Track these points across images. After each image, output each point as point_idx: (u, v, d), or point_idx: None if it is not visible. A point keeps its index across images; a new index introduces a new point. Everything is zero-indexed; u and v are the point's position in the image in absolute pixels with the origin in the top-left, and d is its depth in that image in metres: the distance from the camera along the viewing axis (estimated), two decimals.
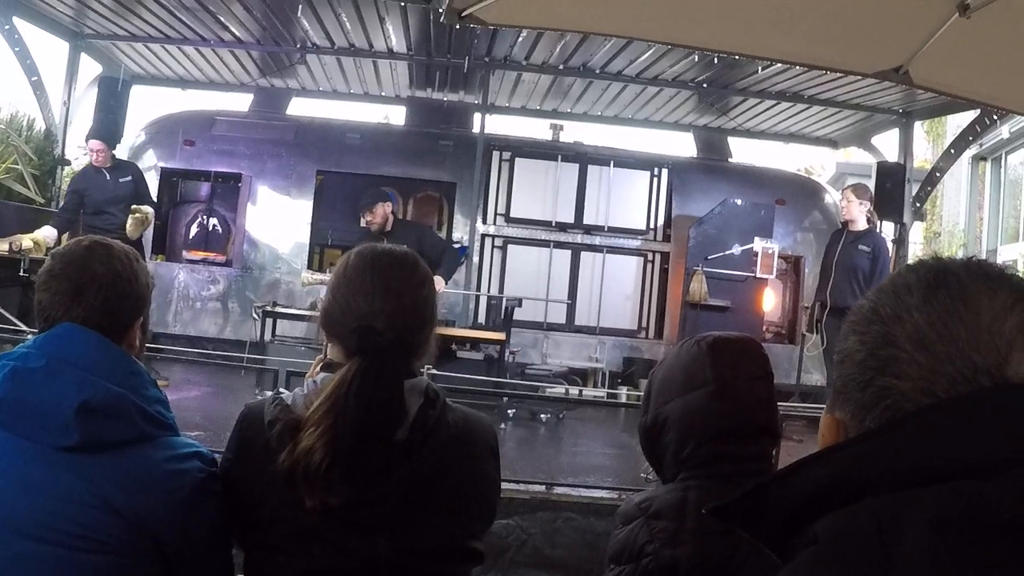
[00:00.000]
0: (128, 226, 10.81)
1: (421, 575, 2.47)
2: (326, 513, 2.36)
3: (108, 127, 13.30)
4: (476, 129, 14.91)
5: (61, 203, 12.30)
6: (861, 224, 11.14)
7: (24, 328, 10.00)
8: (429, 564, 2.48)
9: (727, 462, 2.34)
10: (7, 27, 13.55)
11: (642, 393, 2.81)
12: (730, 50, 5.80)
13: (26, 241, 10.38)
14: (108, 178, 11.10)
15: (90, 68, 15.67)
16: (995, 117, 13.49)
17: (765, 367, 2.56)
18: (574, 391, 12.90)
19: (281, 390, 2.64)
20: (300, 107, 17.09)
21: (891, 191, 13.95)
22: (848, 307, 10.44)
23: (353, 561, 2.41)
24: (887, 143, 16.30)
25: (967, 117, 14.73)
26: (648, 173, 15.84)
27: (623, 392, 13.85)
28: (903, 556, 1.21)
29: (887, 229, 13.65)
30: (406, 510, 2.43)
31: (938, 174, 15.18)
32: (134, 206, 10.97)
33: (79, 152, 16.96)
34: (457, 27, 9.24)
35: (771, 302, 14.22)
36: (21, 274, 9.93)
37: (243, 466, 2.53)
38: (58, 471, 2.30)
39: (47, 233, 10.70)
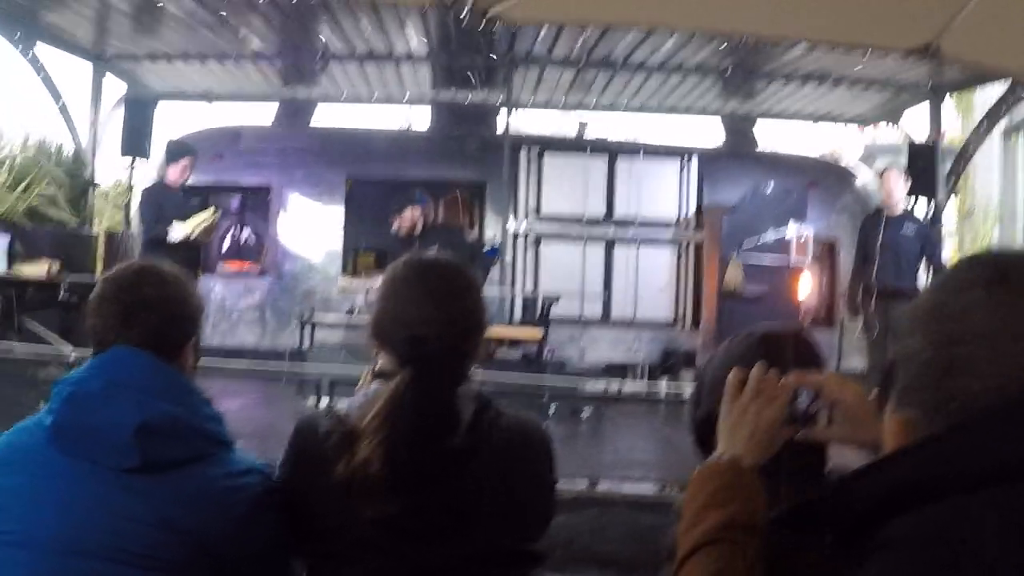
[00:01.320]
0: (197, 231, 10.90)
1: None
2: (383, 522, 2.37)
3: (136, 144, 13.40)
4: (502, 128, 14.89)
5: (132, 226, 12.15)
6: (901, 206, 11.04)
7: (61, 348, 10.09)
8: (487, 569, 2.48)
9: (782, 451, 2.31)
10: (30, 54, 13.65)
11: (692, 386, 2.79)
12: (756, 32, 5.76)
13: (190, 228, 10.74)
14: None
15: (114, 88, 15.77)
16: None
17: (817, 358, 2.53)
18: (614, 386, 12.83)
19: (331, 402, 2.65)
20: (325, 115, 17.18)
21: (924, 169, 13.81)
22: (897, 289, 10.43)
23: (411, 568, 2.42)
24: (917, 118, 16.17)
25: (998, 90, 14.57)
26: (677, 163, 15.77)
27: (663, 384, 13.83)
28: (979, 558, 1.19)
29: (920, 207, 13.52)
30: (463, 516, 2.44)
31: (970, 149, 15.03)
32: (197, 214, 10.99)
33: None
34: (480, 27, 9.24)
35: (808, 287, 14.11)
36: (60, 298, 9.98)
37: (300, 478, 2.54)
38: (119, 492, 2.31)
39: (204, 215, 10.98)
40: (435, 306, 2.55)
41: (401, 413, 2.38)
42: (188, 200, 11.27)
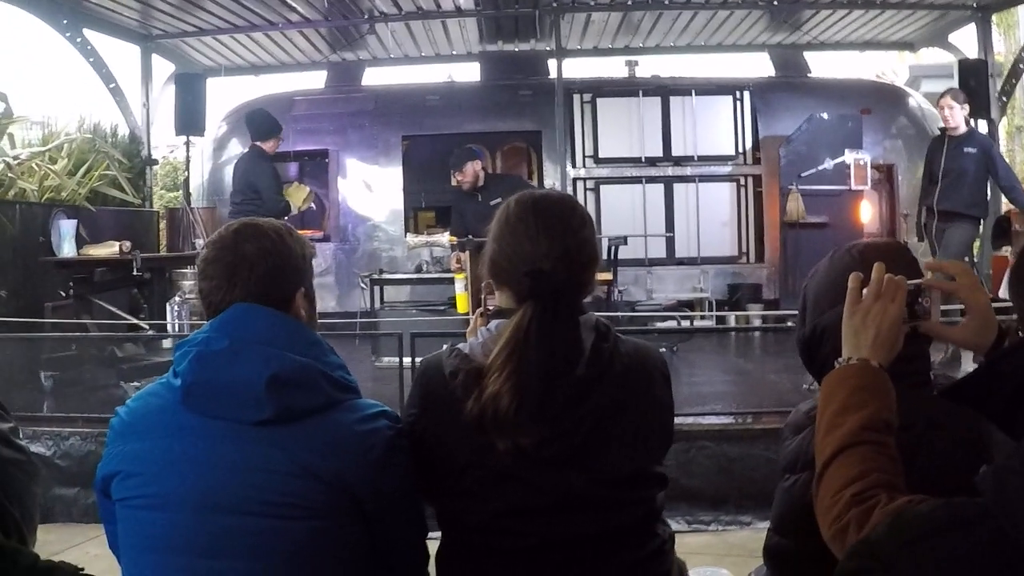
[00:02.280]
0: (304, 205, 11.59)
1: (612, 503, 2.52)
2: (518, 453, 2.42)
3: (191, 121, 13.54)
4: (553, 75, 14.78)
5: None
6: (962, 127, 11.00)
7: (139, 323, 10.19)
8: (620, 492, 2.53)
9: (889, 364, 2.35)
10: (79, 39, 13.74)
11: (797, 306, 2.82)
12: None
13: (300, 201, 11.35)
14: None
15: (163, 68, 15.89)
16: None
17: (915, 265, 2.56)
18: (684, 323, 12.85)
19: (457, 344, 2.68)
20: (374, 77, 17.23)
21: (975, 88, 13.68)
22: (959, 212, 10.44)
23: (547, 496, 2.47)
24: (963, 40, 16.05)
25: None
26: (730, 98, 15.75)
27: (731, 318, 13.88)
28: None
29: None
30: (593, 442, 2.48)
31: (1021, 66, 14.90)
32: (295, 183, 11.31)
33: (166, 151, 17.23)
34: None
35: (868, 213, 14.05)
36: (134, 274, 10.05)
37: (429, 419, 2.59)
38: (256, 445, 2.36)
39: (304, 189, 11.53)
40: (551, 239, 2.58)
41: (526, 346, 2.43)
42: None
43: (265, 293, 2.54)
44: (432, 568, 2.71)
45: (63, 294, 10.48)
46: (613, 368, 2.53)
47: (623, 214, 15.20)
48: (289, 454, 2.35)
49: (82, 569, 1.46)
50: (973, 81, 13.76)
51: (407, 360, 7.17)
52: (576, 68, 16.97)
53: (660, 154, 15.53)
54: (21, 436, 2.47)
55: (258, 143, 11.12)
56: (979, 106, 13.41)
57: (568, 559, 2.49)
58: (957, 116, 10.76)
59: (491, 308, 2.79)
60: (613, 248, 11.99)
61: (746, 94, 15.80)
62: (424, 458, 2.57)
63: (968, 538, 1.35)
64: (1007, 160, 13.23)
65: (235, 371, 2.38)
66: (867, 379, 2.08)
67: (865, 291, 2.19)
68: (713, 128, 15.64)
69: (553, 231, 2.59)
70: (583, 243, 2.64)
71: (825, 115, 14.37)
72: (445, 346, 2.70)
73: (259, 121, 11.37)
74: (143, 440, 2.45)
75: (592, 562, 2.49)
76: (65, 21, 13.43)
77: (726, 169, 15.69)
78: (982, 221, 11.08)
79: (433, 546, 2.71)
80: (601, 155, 15.60)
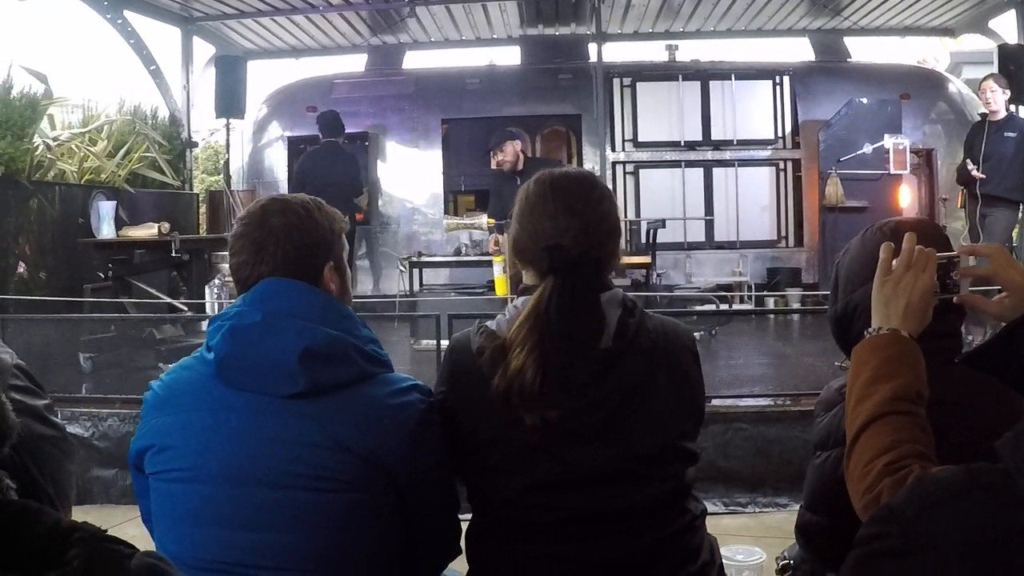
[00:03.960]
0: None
1: (640, 478, 2.53)
2: (545, 427, 2.43)
3: (231, 104, 13.66)
4: (593, 59, 14.75)
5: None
6: (1002, 112, 10.99)
7: (177, 304, 10.25)
8: (649, 466, 2.54)
9: (920, 341, 2.36)
10: (120, 21, 13.79)
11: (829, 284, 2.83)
12: None
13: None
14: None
15: (204, 50, 15.96)
16: None
17: (947, 245, 2.56)
18: (724, 306, 12.83)
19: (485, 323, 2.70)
20: (414, 60, 17.24)
21: (1016, 73, 13.60)
22: (1000, 197, 10.48)
23: (576, 470, 2.48)
24: (1004, 26, 15.92)
25: None
26: (770, 82, 15.74)
27: (771, 302, 13.86)
28: None
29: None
30: (620, 416, 2.49)
31: None
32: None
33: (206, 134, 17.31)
34: None
35: (908, 197, 14.02)
36: (173, 255, 10.11)
37: (458, 395, 2.61)
38: (289, 418, 2.37)
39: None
40: (569, 215, 2.60)
41: (547, 319, 2.45)
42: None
43: (293, 267, 2.55)
44: (463, 545, 2.73)
45: (102, 275, 10.56)
46: (639, 343, 2.54)
47: (662, 198, 15.24)
48: (322, 427, 2.37)
49: (106, 531, 1.47)
50: (1013, 66, 13.66)
51: (445, 342, 7.17)
52: (616, 52, 17.00)
53: (699, 138, 15.53)
54: (56, 413, 2.48)
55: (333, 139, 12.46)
56: (1020, 91, 13.35)
57: (597, 533, 2.50)
58: (999, 100, 10.79)
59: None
60: (652, 232, 11.98)
61: (786, 79, 15.77)
62: (453, 434, 2.60)
63: (988, 502, 1.35)
64: None
65: (268, 344, 2.40)
66: (898, 349, 2.08)
67: (895, 262, 2.19)
68: (752, 112, 15.63)
69: (572, 207, 2.62)
70: (603, 216, 2.66)
71: (865, 100, 14.37)
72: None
73: (332, 119, 12.83)
74: (177, 413, 2.48)
75: (621, 537, 2.51)
76: (106, 3, 13.47)
77: (765, 153, 15.68)
78: (1022, 204, 11.02)
79: (465, 526, 2.73)
80: (640, 139, 15.60)
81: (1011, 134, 10.81)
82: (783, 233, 15.69)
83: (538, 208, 2.65)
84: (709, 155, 15.54)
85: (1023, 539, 1.29)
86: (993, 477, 1.37)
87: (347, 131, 13.29)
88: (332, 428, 2.37)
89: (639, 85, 15.67)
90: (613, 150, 15.41)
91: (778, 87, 15.74)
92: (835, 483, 2.22)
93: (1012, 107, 11.48)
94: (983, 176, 10.83)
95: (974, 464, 1.44)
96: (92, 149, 12.44)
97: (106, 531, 1.49)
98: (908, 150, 13.37)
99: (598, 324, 2.50)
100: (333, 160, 12.58)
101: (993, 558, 1.31)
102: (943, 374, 2.18)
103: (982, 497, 1.36)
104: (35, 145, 11.19)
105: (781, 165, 15.73)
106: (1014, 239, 11.79)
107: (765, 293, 14.34)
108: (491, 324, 2.65)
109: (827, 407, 2.66)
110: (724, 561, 2.91)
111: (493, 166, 10.89)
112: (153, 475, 2.50)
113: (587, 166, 15.16)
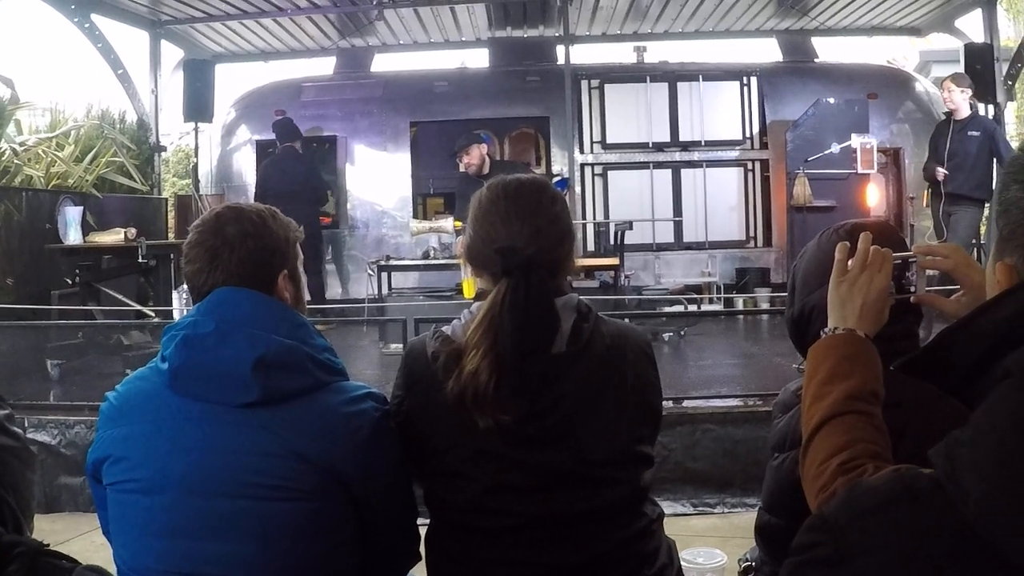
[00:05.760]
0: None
1: (596, 482, 2.53)
2: (500, 432, 2.44)
3: (200, 108, 13.64)
4: (561, 61, 14.72)
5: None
6: (965, 111, 11.10)
7: (145, 310, 10.20)
8: (603, 470, 2.54)
9: (878, 342, 2.37)
10: (87, 25, 13.74)
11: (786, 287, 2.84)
12: None
13: None
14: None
15: (172, 54, 15.90)
16: None
17: (902, 243, 2.57)
18: (692, 307, 12.86)
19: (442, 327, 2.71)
20: (383, 63, 17.24)
21: (981, 72, 13.72)
22: (964, 195, 10.58)
23: (530, 475, 2.49)
24: (970, 25, 16.03)
25: None
26: (738, 83, 15.78)
27: (739, 302, 13.91)
28: None
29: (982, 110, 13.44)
30: (575, 419, 2.50)
31: None
32: None
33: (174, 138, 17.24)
34: None
35: (875, 197, 14.15)
36: (140, 261, 10.05)
37: (414, 400, 2.62)
38: (244, 428, 2.37)
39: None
40: (520, 219, 2.61)
41: (500, 322, 2.45)
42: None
43: (247, 276, 2.56)
44: (423, 551, 2.74)
45: (69, 281, 10.50)
46: (593, 347, 2.55)
47: (631, 199, 15.26)
48: (276, 436, 2.37)
49: (47, 545, 1.47)
50: (979, 65, 13.79)
51: None
52: (584, 54, 17.03)
53: (668, 139, 15.54)
54: (16, 423, 2.47)
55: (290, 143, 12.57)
56: (985, 91, 13.46)
57: (553, 538, 2.51)
58: (957, 100, 10.93)
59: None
60: (620, 233, 11.99)
61: (753, 79, 15.81)
62: (410, 438, 2.61)
63: (917, 511, 1.36)
64: (1017, 145, 13.23)
65: (221, 354, 2.39)
66: (853, 349, 2.09)
67: (851, 262, 2.21)
68: (720, 113, 15.66)
69: (523, 212, 2.63)
70: (554, 219, 2.67)
71: (832, 100, 14.42)
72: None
73: (287, 125, 13.04)
74: (132, 424, 2.47)
75: (577, 541, 2.51)
76: (73, 6, 13.43)
77: (733, 154, 15.71)
78: (986, 203, 11.11)
79: (424, 530, 2.74)
80: (609, 141, 15.61)
81: (974, 133, 10.93)
82: (751, 233, 15.72)
83: (490, 213, 2.66)
84: (677, 156, 15.55)
85: (952, 548, 1.30)
86: (924, 485, 1.38)
87: (322, 134, 13.32)
88: (287, 437, 2.38)
89: (607, 87, 15.68)
90: (582, 152, 15.38)
91: (746, 88, 15.78)
92: (792, 485, 2.22)
93: (979, 105, 11.58)
94: (947, 173, 10.94)
95: (906, 471, 1.45)
96: (59, 154, 12.39)
97: (47, 545, 1.49)
98: (875, 149, 13.43)
99: (551, 325, 2.51)
100: (292, 166, 12.66)
101: (923, 567, 1.31)
102: (900, 376, 2.19)
103: (913, 506, 1.36)
104: (2, 150, 11.14)
105: (749, 165, 15.75)
106: (981, 237, 11.86)
107: (734, 294, 14.38)
108: (447, 329, 2.67)
109: (784, 409, 2.68)
110: (684, 564, 2.92)
111: (461, 169, 10.91)
112: (110, 486, 2.49)
113: (556, 168, 15.22)
